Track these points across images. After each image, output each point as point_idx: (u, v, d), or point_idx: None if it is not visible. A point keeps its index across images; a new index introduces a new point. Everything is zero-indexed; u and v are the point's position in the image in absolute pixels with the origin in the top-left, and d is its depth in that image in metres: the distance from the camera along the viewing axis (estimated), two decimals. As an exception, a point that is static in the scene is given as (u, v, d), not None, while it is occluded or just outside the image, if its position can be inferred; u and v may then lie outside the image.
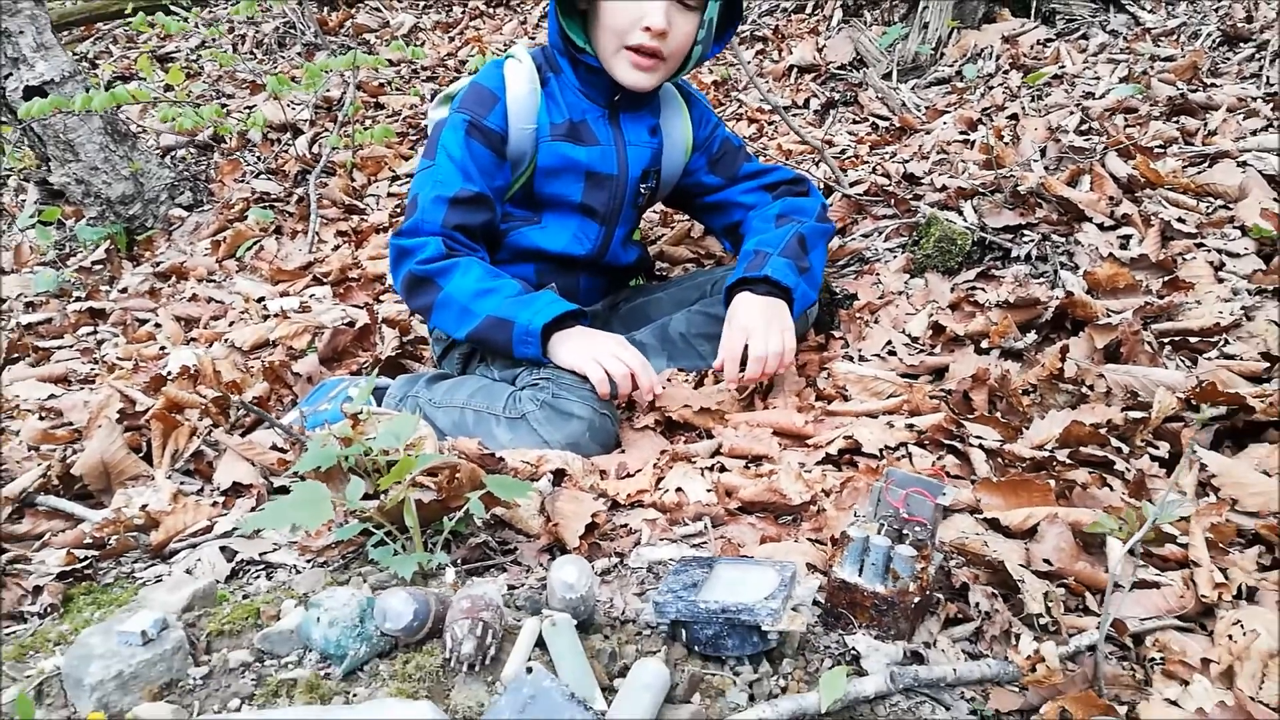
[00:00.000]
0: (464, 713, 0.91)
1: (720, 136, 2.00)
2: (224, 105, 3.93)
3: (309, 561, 1.34)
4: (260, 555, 1.36)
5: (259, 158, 3.44)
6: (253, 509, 1.55)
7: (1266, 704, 0.98)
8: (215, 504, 1.58)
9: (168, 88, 4.10)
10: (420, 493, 1.37)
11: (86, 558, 1.45)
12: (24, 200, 3.57)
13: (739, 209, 1.98)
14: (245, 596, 1.22)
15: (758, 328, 1.65)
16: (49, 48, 2.81)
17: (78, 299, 2.84)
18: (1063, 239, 2.00)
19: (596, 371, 1.58)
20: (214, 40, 4.52)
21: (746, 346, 1.65)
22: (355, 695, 0.96)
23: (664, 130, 1.91)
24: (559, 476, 1.49)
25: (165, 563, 1.44)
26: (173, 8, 3.24)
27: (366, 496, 1.27)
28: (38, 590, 1.38)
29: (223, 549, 1.40)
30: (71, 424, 1.94)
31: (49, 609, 1.33)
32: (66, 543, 1.51)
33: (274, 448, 1.69)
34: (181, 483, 1.68)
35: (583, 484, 1.47)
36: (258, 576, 1.33)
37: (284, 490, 1.60)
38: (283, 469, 1.60)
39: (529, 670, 0.80)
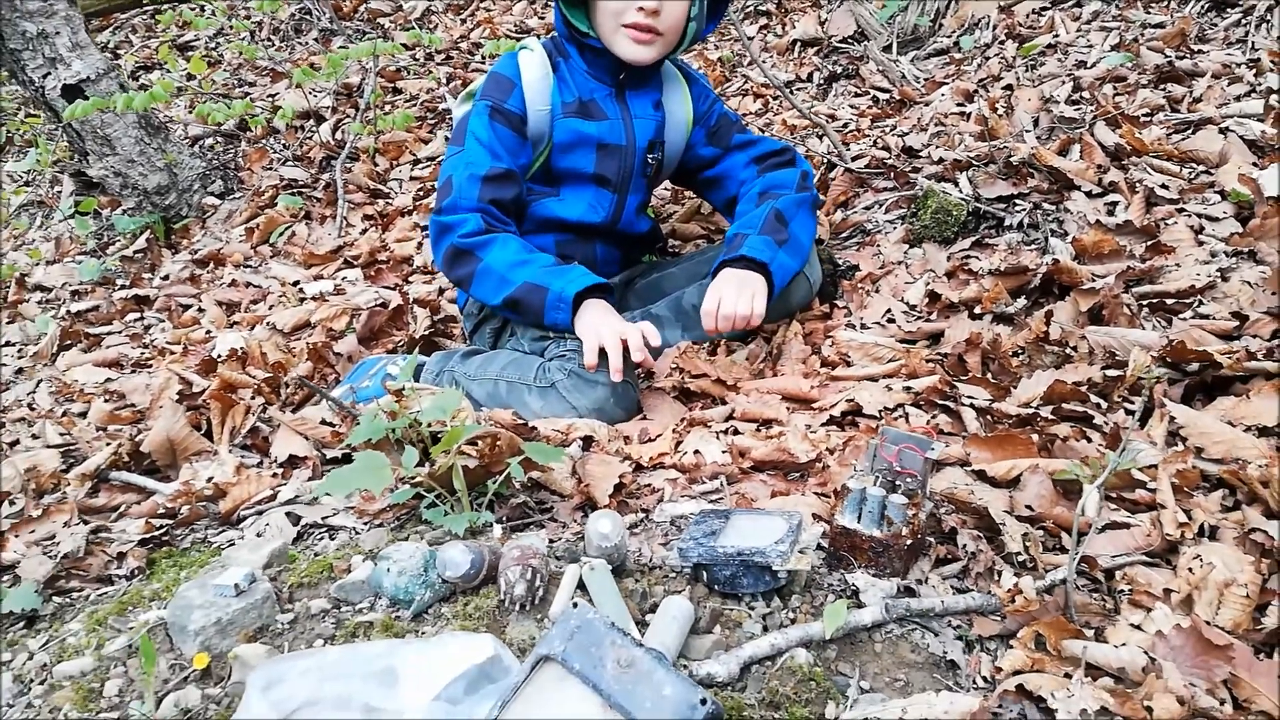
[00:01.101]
0: (519, 644, 1.06)
1: (718, 111, 2.17)
2: (247, 94, 4.05)
3: (366, 524, 1.49)
4: (322, 519, 1.52)
5: (285, 145, 3.57)
6: (309, 479, 1.71)
7: (1220, 627, 1.12)
8: (275, 475, 1.73)
9: (190, 77, 4.23)
10: (465, 459, 1.52)
11: (163, 526, 1.62)
12: (59, 192, 3.72)
13: (733, 182, 2.15)
14: (315, 554, 1.38)
15: (729, 293, 1.83)
16: (84, 47, 2.94)
17: (122, 287, 3.00)
18: (1053, 207, 2.11)
19: (591, 343, 1.74)
20: (231, 27, 4.63)
21: None
22: (424, 633, 1.11)
23: (666, 106, 2.08)
24: (587, 442, 1.63)
25: (235, 528, 1.60)
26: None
27: (417, 464, 1.42)
28: (122, 556, 1.54)
29: (287, 515, 1.56)
30: (134, 405, 2.10)
31: (135, 572, 1.50)
32: (143, 513, 1.67)
33: (323, 423, 1.84)
34: (242, 456, 1.84)
35: (609, 449, 1.62)
36: (322, 538, 1.48)
37: (336, 461, 1.76)
38: (335, 442, 1.75)
39: (574, 606, 0.95)
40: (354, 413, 1.72)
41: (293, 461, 1.78)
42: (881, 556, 1.19)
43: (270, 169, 3.43)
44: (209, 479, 1.73)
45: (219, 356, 2.22)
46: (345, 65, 3.19)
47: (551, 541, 1.32)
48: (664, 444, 1.61)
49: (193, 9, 4.02)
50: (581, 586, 1.13)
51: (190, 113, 3.68)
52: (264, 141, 3.60)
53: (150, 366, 2.40)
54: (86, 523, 1.64)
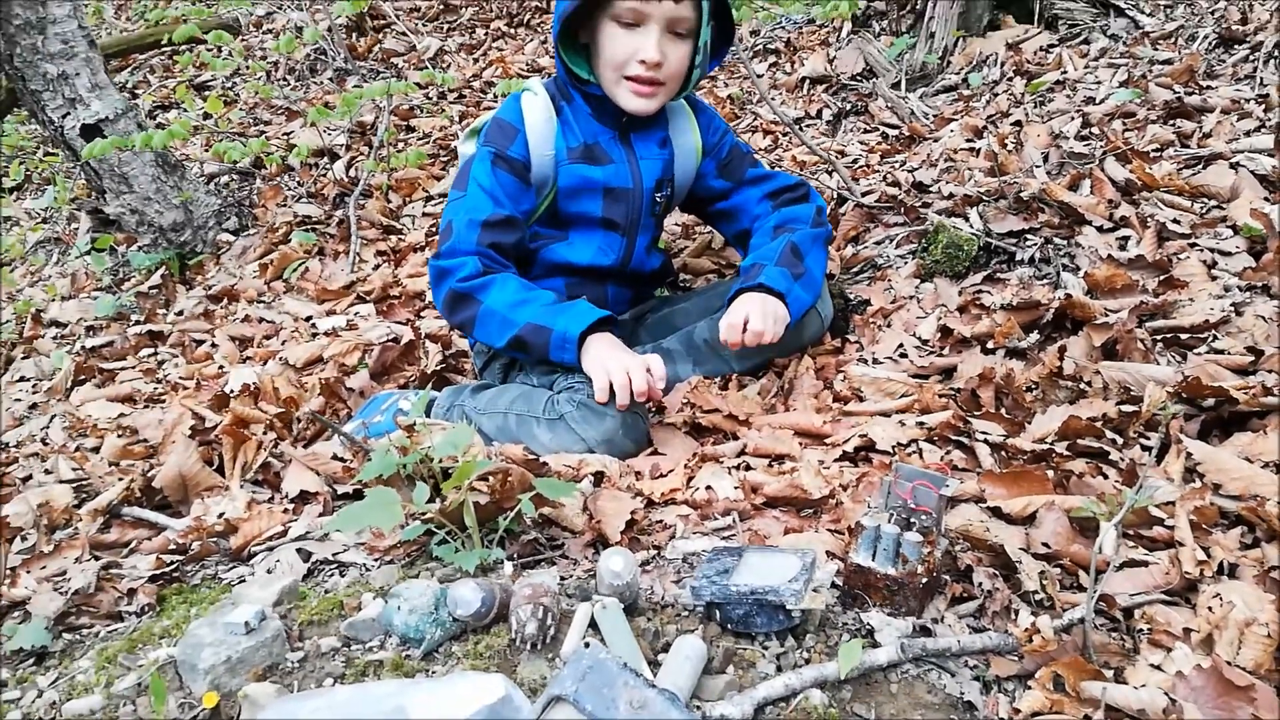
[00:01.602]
0: (530, 684, 1.05)
1: (729, 143, 2.16)
2: (262, 132, 4.11)
3: (377, 560, 1.49)
4: (333, 555, 1.51)
5: (299, 182, 3.62)
6: (320, 514, 1.71)
7: (1241, 667, 1.10)
8: (286, 510, 1.73)
9: (207, 116, 4.29)
10: (476, 495, 1.51)
11: (173, 562, 1.61)
12: (76, 229, 3.77)
13: (746, 216, 2.14)
14: (326, 591, 1.37)
15: (755, 310, 1.82)
16: (103, 87, 2.98)
17: (137, 322, 3.02)
18: (1064, 242, 2.11)
19: (600, 379, 1.70)
20: (247, 68, 4.71)
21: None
22: (434, 672, 1.10)
23: (673, 140, 2.06)
24: (599, 478, 1.63)
25: (246, 564, 1.59)
26: (210, 41, 3.40)
27: (428, 500, 1.42)
28: (132, 592, 1.54)
29: (298, 551, 1.55)
30: (147, 440, 2.10)
31: (145, 608, 1.49)
32: (154, 549, 1.67)
33: (335, 458, 1.84)
34: (254, 492, 1.84)
35: (620, 484, 1.61)
36: (332, 574, 1.47)
37: (347, 497, 1.76)
38: (346, 477, 1.75)
39: (586, 645, 0.94)
40: (366, 448, 1.72)
41: (304, 497, 1.77)
42: (897, 595, 1.17)
43: (284, 206, 3.46)
44: (220, 514, 1.73)
45: (232, 392, 2.23)
46: (360, 104, 3.23)
47: (563, 579, 1.31)
48: (676, 480, 1.60)
49: (210, 49, 4.08)
50: (593, 625, 1.12)
51: (207, 151, 3.73)
52: (278, 179, 3.64)
53: (163, 402, 2.41)
54: (98, 559, 1.64)
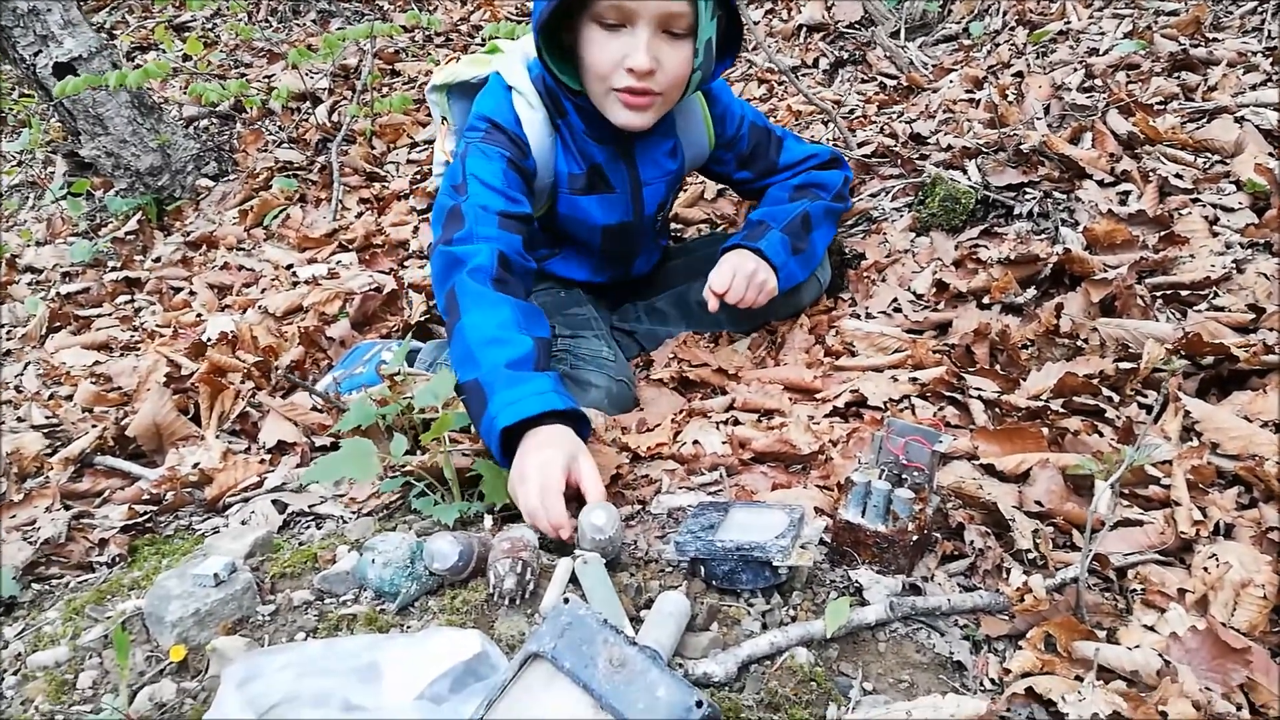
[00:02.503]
0: (507, 640, 1.02)
1: (746, 133, 1.90)
2: (243, 74, 4.00)
3: (355, 512, 1.45)
4: (309, 507, 1.48)
5: (280, 127, 3.52)
6: (298, 465, 1.67)
7: (1236, 629, 1.08)
8: (262, 461, 1.69)
9: (186, 58, 4.17)
10: (456, 448, 1.48)
11: (146, 512, 1.58)
12: (53, 173, 3.67)
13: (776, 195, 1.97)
14: (300, 544, 1.34)
15: (742, 274, 1.71)
16: (75, 24, 2.88)
17: (113, 269, 2.95)
18: (1064, 196, 2.06)
19: (524, 507, 1.24)
20: (228, 8, 4.57)
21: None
22: (409, 627, 1.07)
23: (683, 141, 1.83)
24: (584, 430, 1.59)
25: (220, 515, 1.56)
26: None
27: (407, 452, 1.38)
28: (103, 543, 1.50)
29: (274, 502, 1.51)
30: (121, 388, 2.05)
31: (117, 559, 1.46)
32: (127, 499, 1.63)
33: (314, 409, 1.80)
34: (230, 442, 1.80)
35: (606, 438, 1.57)
36: (308, 526, 1.44)
37: (325, 449, 1.72)
38: (325, 431, 1.71)
39: (565, 601, 0.90)
40: (338, 404, 1.67)
41: (281, 448, 1.73)
42: (886, 553, 1.14)
43: (265, 151, 3.37)
44: (195, 465, 1.69)
45: (209, 340, 2.18)
46: (342, 47, 3.13)
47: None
48: (662, 434, 1.56)
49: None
50: (574, 581, 1.09)
51: (185, 93, 3.62)
52: (259, 123, 3.55)
53: (139, 349, 2.36)
54: (69, 508, 1.60)
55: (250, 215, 2.99)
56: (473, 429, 1.42)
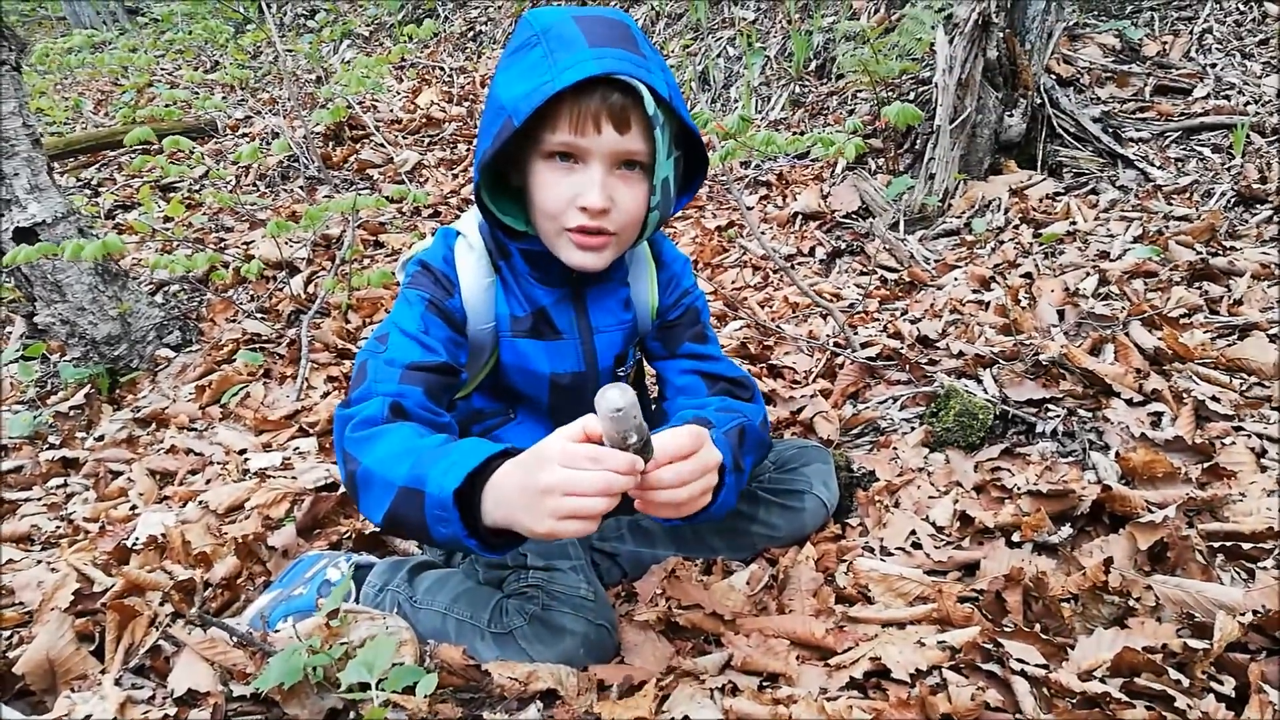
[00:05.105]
0: None
1: (684, 306, 1.68)
2: (222, 239, 3.89)
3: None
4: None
5: (252, 296, 3.37)
6: (207, 724, 1.39)
7: None
8: (166, 717, 1.41)
9: (167, 219, 4.08)
10: (395, 712, 1.22)
11: (16, 781, 1.29)
12: (10, 333, 3.48)
13: (670, 387, 1.69)
14: None
15: (708, 461, 1.18)
16: (43, 189, 2.75)
17: (51, 445, 2.71)
18: (1089, 414, 1.89)
19: (563, 528, 1.06)
20: (217, 170, 4.53)
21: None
22: None
23: (634, 297, 1.64)
24: (549, 699, 1.33)
25: (102, 795, 1.27)
26: (166, 147, 3.21)
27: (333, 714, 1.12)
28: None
29: (166, 785, 1.23)
30: (23, 604, 1.78)
31: None
32: (-4, 763, 1.35)
33: (239, 645, 1.54)
34: (133, 685, 1.52)
35: (577, 707, 1.32)
36: (203, 825, 1.16)
37: (244, 700, 1.45)
38: (244, 679, 1.44)
39: None
40: (262, 647, 1.41)
41: (192, 698, 1.45)
42: None
43: (234, 321, 3.21)
44: (86, 718, 1.41)
45: (135, 544, 1.93)
46: (325, 218, 3.02)
47: None
48: (643, 706, 1.30)
49: (171, 155, 3.90)
50: None
51: (168, 254, 3.49)
52: (231, 292, 3.40)
53: (59, 547, 2.09)
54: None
55: (208, 392, 2.79)
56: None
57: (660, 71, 1.35)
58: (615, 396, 1.02)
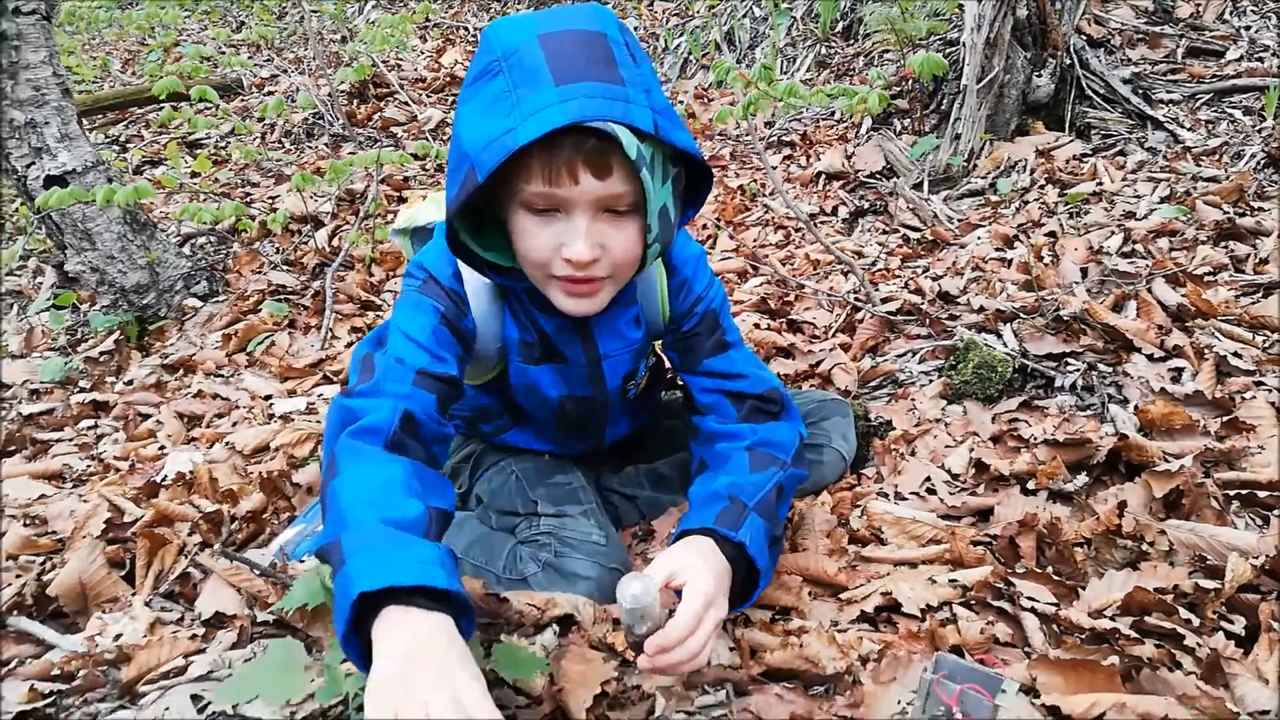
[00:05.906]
0: None
1: (700, 314, 1.54)
2: (248, 194, 3.93)
3: (290, 715, 1.21)
4: (233, 710, 1.23)
5: (278, 249, 3.41)
6: (234, 645, 1.43)
7: None
8: (194, 637, 1.46)
9: (194, 174, 4.12)
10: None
11: (51, 693, 1.34)
12: (41, 283, 3.55)
13: (697, 402, 1.58)
14: (211, 763, 1.09)
15: (717, 615, 1.17)
16: (73, 138, 2.79)
17: (82, 389, 2.77)
18: (1109, 369, 1.89)
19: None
20: (245, 126, 4.56)
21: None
22: None
23: (644, 310, 1.55)
24: (565, 625, 1.36)
25: (133, 705, 1.31)
26: (194, 98, 3.23)
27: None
28: (-7, 732, 1.26)
29: (193, 696, 1.28)
30: (56, 533, 1.84)
31: (2, 756, 1.21)
32: (33, 674, 1.40)
33: (263, 573, 1.58)
34: (162, 608, 1.57)
35: (593, 634, 1.34)
36: (229, 733, 1.20)
37: (268, 625, 1.49)
38: (267, 608, 1.48)
39: None
40: (281, 578, 1.45)
41: (219, 620, 1.50)
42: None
43: (260, 273, 3.25)
44: (116, 637, 1.46)
45: (164, 480, 1.98)
46: (351, 172, 3.04)
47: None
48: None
49: (198, 108, 3.93)
50: None
51: (183, 218, 3.54)
52: (257, 244, 3.43)
53: (91, 483, 2.15)
54: (-40, 683, 1.36)
55: (234, 340, 2.83)
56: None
57: (643, 95, 1.16)
58: (637, 590, 1.04)
